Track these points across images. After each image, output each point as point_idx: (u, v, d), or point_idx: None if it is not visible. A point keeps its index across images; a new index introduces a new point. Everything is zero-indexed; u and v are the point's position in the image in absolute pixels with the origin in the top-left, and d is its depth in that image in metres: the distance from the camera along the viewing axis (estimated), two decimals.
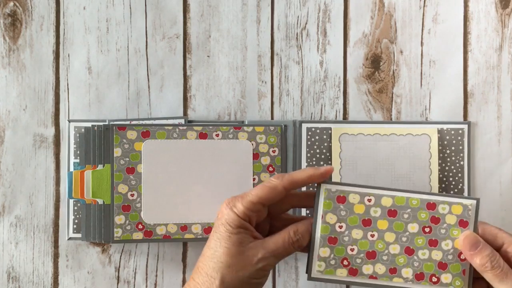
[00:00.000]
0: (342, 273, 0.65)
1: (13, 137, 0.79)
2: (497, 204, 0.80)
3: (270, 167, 0.77)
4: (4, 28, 0.79)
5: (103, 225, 0.75)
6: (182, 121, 0.78)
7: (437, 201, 0.66)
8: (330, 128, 0.78)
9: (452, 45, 0.81)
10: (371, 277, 0.65)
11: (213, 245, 0.64)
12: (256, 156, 0.77)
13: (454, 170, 0.79)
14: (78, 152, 0.78)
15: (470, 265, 0.65)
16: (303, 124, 0.78)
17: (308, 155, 0.78)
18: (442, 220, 0.65)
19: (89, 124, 0.76)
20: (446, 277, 0.65)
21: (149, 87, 0.80)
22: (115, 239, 0.75)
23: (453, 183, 0.79)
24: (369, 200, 0.66)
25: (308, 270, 0.66)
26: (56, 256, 0.79)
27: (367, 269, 0.65)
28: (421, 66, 0.81)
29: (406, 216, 0.65)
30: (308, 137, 0.78)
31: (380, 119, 0.80)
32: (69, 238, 0.78)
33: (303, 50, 0.81)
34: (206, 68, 0.80)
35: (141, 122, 0.78)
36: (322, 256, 0.65)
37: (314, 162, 0.78)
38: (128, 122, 0.77)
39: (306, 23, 0.81)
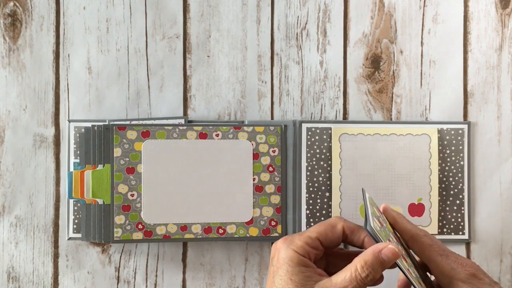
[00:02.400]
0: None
1: (13, 137, 0.79)
2: (497, 204, 0.80)
3: (270, 167, 0.77)
4: (4, 28, 0.79)
5: (103, 225, 0.75)
6: (182, 121, 0.78)
7: None
8: (330, 128, 0.79)
9: (452, 45, 0.81)
10: (407, 270, 0.60)
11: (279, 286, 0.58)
12: (256, 156, 0.77)
13: (454, 170, 0.79)
14: (78, 152, 0.78)
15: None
16: (303, 124, 0.78)
17: (308, 155, 0.78)
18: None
19: (89, 124, 0.76)
20: None
21: (149, 87, 0.80)
22: (115, 239, 0.75)
23: (453, 183, 0.79)
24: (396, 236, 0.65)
25: (367, 221, 0.59)
26: (56, 256, 0.79)
27: (404, 263, 0.59)
28: (421, 66, 0.81)
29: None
30: (308, 137, 0.78)
31: (380, 119, 0.80)
32: (69, 238, 0.78)
33: (303, 50, 0.81)
34: (206, 68, 0.80)
35: (141, 122, 0.78)
36: (375, 226, 0.59)
37: (314, 162, 0.78)
38: (128, 122, 0.77)
39: (306, 23, 0.81)
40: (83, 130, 0.76)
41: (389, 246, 0.57)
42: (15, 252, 0.79)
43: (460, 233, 0.79)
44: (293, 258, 0.59)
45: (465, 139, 0.79)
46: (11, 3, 0.79)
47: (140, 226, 0.75)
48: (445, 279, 0.60)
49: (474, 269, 0.61)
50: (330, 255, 0.64)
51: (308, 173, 0.78)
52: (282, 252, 0.59)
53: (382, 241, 0.58)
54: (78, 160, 0.78)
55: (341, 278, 0.57)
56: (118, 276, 0.79)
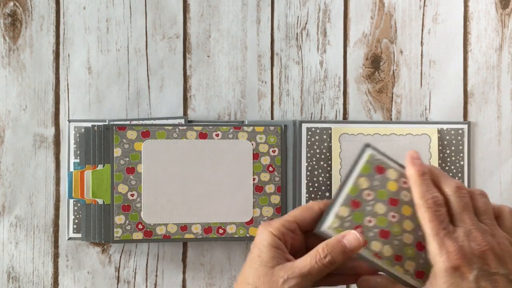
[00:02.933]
0: None
1: (13, 137, 0.79)
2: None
3: (270, 167, 0.77)
4: (4, 28, 0.79)
5: (103, 225, 0.75)
6: (182, 121, 0.78)
7: None
8: (330, 128, 0.79)
9: (452, 45, 0.81)
10: (375, 254, 0.62)
11: (245, 267, 0.60)
12: (256, 156, 0.77)
13: (454, 170, 0.79)
14: (78, 152, 0.78)
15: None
16: (303, 124, 0.78)
17: (308, 155, 0.78)
18: None
19: (89, 124, 0.76)
20: None
21: (149, 87, 0.80)
22: (115, 239, 0.75)
23: None
24: (405, 183, 0.64)
25: (320, 222, 0.61)
26: (56, 256, 0.79)
27: (376, 246, 0.62)
28: (421, 66, 0.81)
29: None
30: (308, 137, 0.78)
31: (380, 119, 0.80)
32: (69, 238, 0.78)
33: (303, 50, 0.81)
34: (206, 68, 0.80)
35: (141, 122, 0.78)
36: (340, 215, 0.62)
37: (314, 162, 0.78)
38: (128, 122, 0.77)
39: (306, 23, 0.81)
40: (83, 130, 0.76)
41: (352, 232, 0.59)
42: (15, 252, 0.79)
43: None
44: (267, 238, 0.59)
45: (465, 139, 0.79)
46: (11, 3, 0.79)
47: (140, 226, 0.75)
48: (432, 260, 0.58)
49: (465, 257, 0.56)
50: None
51: (308, 173, 0.78)
52: (259, 234, 0.60)
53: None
54: (78, 160, 0.78)
55: (301, 260, 0.58)
56: (118, 276, 0.79)
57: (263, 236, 0.60)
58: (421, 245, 0.63)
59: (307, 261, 0.58)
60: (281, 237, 0.60)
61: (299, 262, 0.58)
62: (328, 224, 0.61)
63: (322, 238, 0.62)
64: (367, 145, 0.64)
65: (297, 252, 0.62)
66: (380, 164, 0.64)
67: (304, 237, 0.62)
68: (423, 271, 0.63)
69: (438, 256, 0.56)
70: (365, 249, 0.61)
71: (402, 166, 0.64)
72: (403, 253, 0.63)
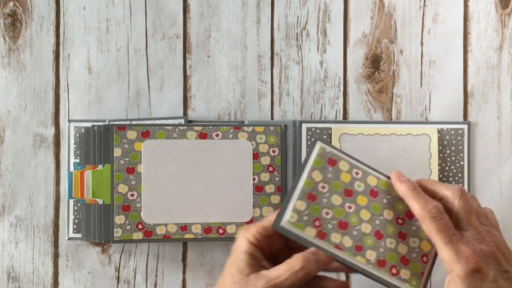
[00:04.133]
0: (310, 233, 0.63)
1: (13, 137, 0.79)
2: (497, 204, 0.80)
3: (270, 167, 0.77)
4: (4, 28, 0.79)
5: (103, 225, 0.75)
6: (182, 121, 0.78)
7: None
8: (330, 128, 0.79)
9: (452, 45, 0.81)
10: (336, 246, 0.63)
11: (224, 272, 0.62)
12: (256, 156, 0.77)
13: (454, 170, 0.79)
14: (78, 152, 0.78)
15: (429, 268, 0.65)
16: (303, 124, 0.78)
17: None
18: (416, 218, 0.64)
19: (89, 124, 0.76)
20: (405, 273, 0.64)
21: (149, 87, 0.80)
22: (115, 239, 0.75)
23: (453, 183, 0.79)
24: (357, 173, 0.66)
25: (278, 218, 0.62)
26: (56, 256, 0.79)
27: (335, 237, 0.63)
28: (421, 66, 0.81)
29: (385, 201, 0.66)
30: (308, 137, 0.78)
31: (380, 119, 0.80)
32: (69, 238, 0.78)
33: (303, 50, 0.81)
34: (206, 68, 0.80)
35: (141, 122, 0.78)
36: (297, 209, 0.63)
37: None
38: (128, 122, 0.77)
39: (306, 23, 0.81)
40: (83, 130, 0.76)
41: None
42: (15, 252, 0.79)
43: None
44: (244, 245, 0.61)
45: (465, 139, 0.79)
46: (11, 3, 0.79)
47: (140, 226, 0.75)
48: (447, 268, 0.59)
49: (481, 259, 0.57)
50: None
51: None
52: (237, 239, 0.62)
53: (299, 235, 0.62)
54: (78, 160, 0.78)
55: (276, 270, 0.59)
56: (118, 276, 0.79)
57: (240, 242, 0.62)
58: (379, 234, 0.65)
59: (281, 272, 0.59)
60: (257, 244, 0.62)
61: (273, 272, 0.60)
62: (287, 219, 0.62)
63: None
64: (317, 139, 0.66)
65: (279, 253, 0.64)
66: (331, 157, 0.65)
67: (284, 238, 0.63)
68: (384, 260, 0.64)
69: (456, 262, 0.57)
70: (325, 241, 0.63)
71: (352, 158, 0.66)
72: (363, 243, 0.64)
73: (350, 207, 0.65)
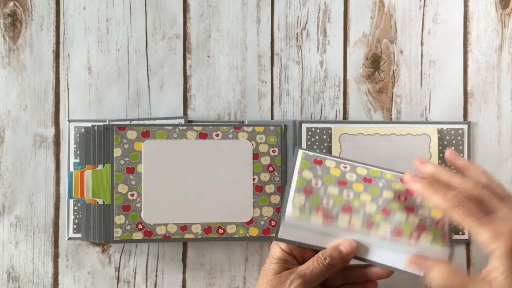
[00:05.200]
0: (316, 221, 0.65)
1: (13, 137, 0.79)
2: None
3: (270, 167, 0.77)
4: (4, 28, 0.79)
5: (103, 225, 0.75)
6: (182, 121, 0.78)
7: None
8: (330, 128, 0.79)
9: (452, 45, 0.81)
10: (347, 228, 0.65)
11: (259, 278, 0.68)
12: (256, 156, 0.77)
13: (454, 170, 0.79)
14: (78, 152, 0.78)
15: (449, 233, 0.65)
16: (303, 124, 0.78)
17: None
18: (416, 193, 0.66)
19: (89, 124, 0.76)
20: (426, 237, 0.64)
21: (149, 87, 0.80)
22: (115, 239, 0.75)
23: None
24: (345, 167, 0.67)
25: (281, 217, 0.65)
26: (56, 256, 0.79)
27: (343, 220, 0.65)
28: (421, 66, 0.81)
29: (381, 184, 0.66)
30: (308, 137, 0.78)
31: (380, 119, 0.80)
32: (69, 238, 0.78)
33: (303, 50, 0.81)
34: (206, 68, 0.80)
35: (141, 122, 0.78)
36: (297, 204, 0.65)
37: None
38: (128, 122, 0.77)
39: (306, 23, 0.81)
40: (83, 130, 0.76)
41: (346, 239, 0.65)
42: (15, 252, 0.79)
43: (460, 233, 0.79)
44: (277, 252, 0.67)
45: (465, 139, 0.79)
46: (11, 3, 0.79)
47: (140, 226, 0.75)
48: (487, 249, 0.59)
49: None
50: (349, 271, 0.70)
51: None
52: (272, 248, 0.68)
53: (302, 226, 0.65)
54: (78, 160, 0.78)
55: (305, 264, 0.66)
56: (118, 276, 0.79)
57: (274, 250, 0.68)
58: (386, 211, 0.65)
59: (310, 264, 0.66)
60: (289, 252, 0.67)
61: (303, 266, 0.66)
62: (289, 214, 0.65)
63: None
64: (297, 148, 0.69)
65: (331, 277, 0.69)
66: (316, 158, 0.68)
67: (315, 251, 0.67)
68: (400, 230, 0.65)
69: (495, 241, 0.58)
70: (334, 226, 0.65)
71: (336, 157, 0.69)
72: (372, 220, 0.65)
73: (348, 194, 0.66)
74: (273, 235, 0.76)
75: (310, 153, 0.68)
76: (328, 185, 0.66)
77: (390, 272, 0.67)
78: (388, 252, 0.65)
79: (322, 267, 0.65)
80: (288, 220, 0.65)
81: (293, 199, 0.65)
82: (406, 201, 0.66)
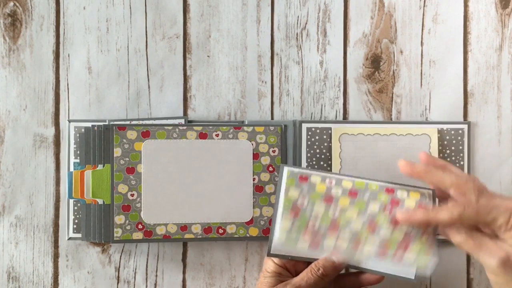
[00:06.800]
0: (303, 246, 0.67)
1: (13, 137, 0.79)
2: None
3: (270, 167, 0.77)
4: (4, 28, 0.79)
5: (103, 225, 0.75)
6: (182, 121, 0.78)
7: (395, 187, 0.68)
8: (330, 128, 0.79)
9: (452, 45, 0.81)
10: (333, 251, 0.67)
11: None
12: (256, 156, 0.77)
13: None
14: (78, 152, 0.78)
15: (433, 241, 0.66)
16: (303, 124, 0.78)
17: (308, 155, 0.78)
18: (401, 203, 0.67)
19: (89, 124, 0.76)
20: (413, 249, 0.66)
21: (149, 87, 0.80)
22: (115, 239, 0.75)
23: None
24: (330, 182, 0.68)
25: (269, 245, 0.67)
26: (56, 256, 0.79)
27: (329, 243, 0.67)
28: (421, 66, 0.81)
29: (366, 197, 0.67)
30: (308, 137, 0.78)
31: (380, 119, 0.81)
32: (69, 238, 0.78)
33: (303, 50, 0.81)
34: (206, 68, 0.80)
35: (141, 122, 0.78)
36: (284, 229, 0.67)
37: (314, 162, 0.78)
38: (128, 122, 0.77)
39: (306, 23, 0.81)
40: (83, 130, 0.76)
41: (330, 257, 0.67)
42: (15, 252, 0.79)
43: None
44: (270, 266, 0.69)
45: (465, 139, 0.79)
46: (11, 3, 0.79)
47: (140, 226, 0.75)
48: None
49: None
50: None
51: None
52: (265, 263, 0.70)
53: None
54: (78, 160, 0.78)
55: (299, 275, 0.68)
56: (118, 276, 0.79)
57: (267, 265, 0.69)
58: (372, 226, 0.67)
59: (304, 275, 0.67)
60: (282, 265, 0.69)
61: (297, 277, 0.68)
62: (276, 241, 0.67)
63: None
64: (283, 165, 0.70)
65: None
66: (301, 175, 0.68)
67: (307, 262, 0.69)
68: (384, 249, 0.67)
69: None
70: (320, 249, 0.67)
71: (321, 171, 0.70)
72: (358, 240, 0.67)
73: (334, 212, 0.67)
74: None
75: (296, 170, 0.69)
76: (315, 203, 0.67)
77: (381, 277, 0.68)
78: (377, 263, 0.67)
79: (316, 277, 0.67)
80: (276, 243, 0.67)
81: (281, 223, 0.67)
82: (391, 213, 0.66)
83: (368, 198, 0.67)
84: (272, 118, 0.80)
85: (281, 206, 0.67)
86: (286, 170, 0.69)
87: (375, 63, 0.81)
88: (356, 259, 0.66)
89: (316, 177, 0.68)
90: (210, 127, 0.76)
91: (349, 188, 0.68)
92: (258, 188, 0.77)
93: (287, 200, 0.67)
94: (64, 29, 0.79)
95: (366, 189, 0.68)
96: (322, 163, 0.78)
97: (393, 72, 0.81)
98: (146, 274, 0.80)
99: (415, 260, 0.66)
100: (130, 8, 0.80)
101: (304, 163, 0.78)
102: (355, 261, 0.67)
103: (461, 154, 0.79)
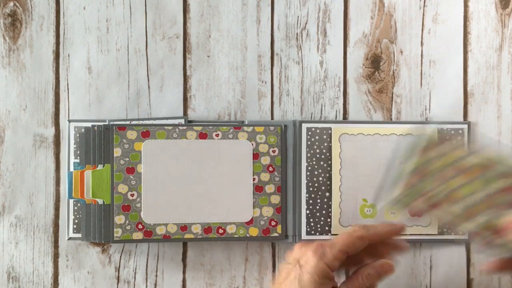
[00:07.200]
0: (418, 206, 0.67)
1: (13, 137, 0.79)
2: None
3: (270, 167, 0.77)
4: (4, 28, 0.79)
5: (103, 225, 0.75)
6: (182, 121, 0.78)
7: None
8: (330, 128, 0.78)
9: (452, 45, 0.81)
10: (446, 214, 0.67)
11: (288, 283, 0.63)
12: (256, 156, 0.77)
13: None
14: (78, 152, 0.78)
15: None
16: (303, 124, 0.78)
17: (308, 155, 0.78)
18: None
19: (89, 124, 0.76)
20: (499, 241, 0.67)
21: (149, 87, 0.80)
22: (115, 239, 0.75)
23: None
24: (460, 152, 0.69)
25: (380, 197, 0.69)
26: (56, 256, 0.79)
27: (445, 207, 0.67)
28: (421, 66, 0.81)
29: (491, 174, 0.67)
30: (308, 137, 0.78)
31: (380, 119, 0.80)
32: (69, 238, 0.78)
33: (303, 50, 0.81)
34: (206, 68, 0.80)
35: (141, 122, 0.78)
36: (403, 189, 0.67)
37: (314, 162, 0.78)
38: (128, 122, 0.77)
39: (306, 23, 0.81)
40: (83, 130, 0.76)
41: (388, 262, 0.65)
42: (15, 252, 0.79)
43: (461, 233, 0.79)
44: (323, 270, 0.62)
45: (465, 139, 0.79)
46: (11, 3, 0.79)
47: (140, 226, 0.75)
48: None
49: None
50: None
51: (308, 173, 0.78)
52: (314, 262, 0.62)
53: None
54: (78, 160, 0.78)
55: (346, 285, 0.64)
56: (118, 276, 0.79)
57: (319, 266, 0.62)
58: (490, 203, 0.67)
59: (343, 236, 0.64)
60: (333, 269, 0.63)
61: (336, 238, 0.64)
62: (391, 199, 0.68)
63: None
64: (422, 126, 0.74)
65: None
66: (434, 141, 0.70)
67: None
68: (483, 230, 0.67)
69: None
70: (436, 211, 0.67)
71: (455, 141, 0.73)
72: (473, 210, 0.67)
73: (457, 182, 0.67)
74: (273, 234, 0.76)
75: (432, 137, 0.70)
76: (440, 171, 0.68)
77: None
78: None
79: (355, 239, 0.64)
80: (390, 201, 0.68)
81: (402, 183, 0.68)
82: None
83: (492, 176, 0.67)
84: (272, 118, 0.80)
85: (405, 170, 0.68)
86: (423, 135, 0.70)
87: (375, 63, 0.81)
88: (466, 225, 0.67)
89: (449, 144, 0.69)
90: (210, 127, 0.76)
91: (476, 162, 0.68)
92: (258, 188, 0.77)
93: (415, 162, 0.68)
94: (64, 29, 0.79)
95: (493, 168, 0.68)
96: (322, 163, 0.78)
97: (393, 72, 0.81)
98: (146, 274, 0.80)
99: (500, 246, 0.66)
100: (130, 8, 0.80)
101: (304, 163, 0.78)
102: (455, 223, 0.68)
103: None
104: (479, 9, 0.81)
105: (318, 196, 0.78)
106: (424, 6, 0.81)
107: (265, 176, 0.77)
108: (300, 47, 0.81)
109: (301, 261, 0.63)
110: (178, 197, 0.75)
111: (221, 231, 0.76)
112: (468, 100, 0.81)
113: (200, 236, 0.76)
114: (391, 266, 0.65)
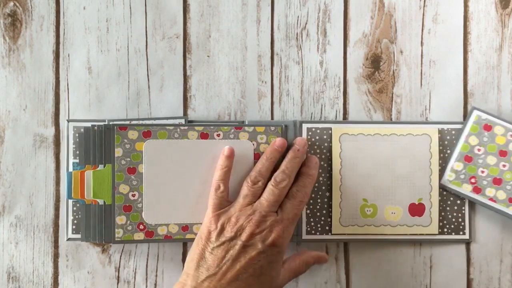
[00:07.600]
0: (467, 188, 0.76)
1: (13, 137, 0.79)
2: None
3: None
4: (4, 28, 0.79)
5: (104, 226, 0.75)
6: (182, 121, 0.78)
7: None
8: (330, 128, 0.79)
9: (452, 45, 0.81)
10: (490, 199, 0.74)
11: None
12: (257, 156, 0.77)
13: None
14: (77, 152, 0.78)
15: None
16: (303, 124, 0.78)
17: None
18: None
19: (88, 124, 0.76)
20: None
21: (149, 87, 0.80)
22: (116, 239, 0.75)
23: None
24: (511, 136, 0.75)
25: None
26: (56, 256, 0.79)
27: (490, 191, 0.74)
28: (421, 66, 0.81)
29: None
30: (308, 137, 0.78)
31: (380, 119, 0.81)
32: (68, 239, 0.78)
33: (303, 50, 0.81)
34: (206, 68, 0.80)
35: (141, 122, 0.78)
36: (455, 169, 0.76)
37: None
38: (128, 122, 0.77)
39: (306, 23, 0.81)
40: (82, 130, 0.76)
41: (325, 256, 0.78)
42: (15, 252, 0.79)
43: (461, 233, 0.79)
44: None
45: None
46: (11, 3, 0.79)
47: (141, 227, 0.75)
48: None
49: None
50: None
51: None
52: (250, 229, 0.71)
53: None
54: (77, 160, 0.78)
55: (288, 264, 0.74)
56: (118, 276, 0.79)
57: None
58: None
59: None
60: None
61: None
62: (446, 178, 0.77)
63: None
64: (474, 108, 0.77)
65: None
66: (487, 123, 0.76)
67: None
68: None
69: None
70: (480, 195, 0.75)
71: (508, 122, 0.76)
72: None
73: (504, 166, 0.74)
74: None
75: (484, 116, 0.75)
76: (489, 154, 0.74)
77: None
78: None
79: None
80: (444, 180, 0.76)
81: (452, 166, 0.76)
82: None
83: None
84: (272, 118, 0.80)
85: (459, 150, 0.75)
86: (475, 115, 0.76)
87: (375, 63, 0.81)
88: (508, 211, 0.74)
89: (500, 128, 0.75)
90: (212, 127, 0.76)
91: None
92: None
93: (465, 146, 0.75)
94: (64, 29, 0.79)
95: None
96: (322, 163, 0.78)
97: (393, 72, 0.81)
98: (146, 274, 0.80)
99: None
100: (130, 8, 0.80)
101: None
102: (503, 212, 0.75)
103: None
104: (479, 9, 0.81)
105: (318, 196, 0.78)
106: (424, 6, 0.81)
107: None
108: (300, 47, 0.81)
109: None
110: (179, 197, 0.75)
111: None
112: (468, 100, 0.81)
113: None
114: (326, 260, 0.77)
